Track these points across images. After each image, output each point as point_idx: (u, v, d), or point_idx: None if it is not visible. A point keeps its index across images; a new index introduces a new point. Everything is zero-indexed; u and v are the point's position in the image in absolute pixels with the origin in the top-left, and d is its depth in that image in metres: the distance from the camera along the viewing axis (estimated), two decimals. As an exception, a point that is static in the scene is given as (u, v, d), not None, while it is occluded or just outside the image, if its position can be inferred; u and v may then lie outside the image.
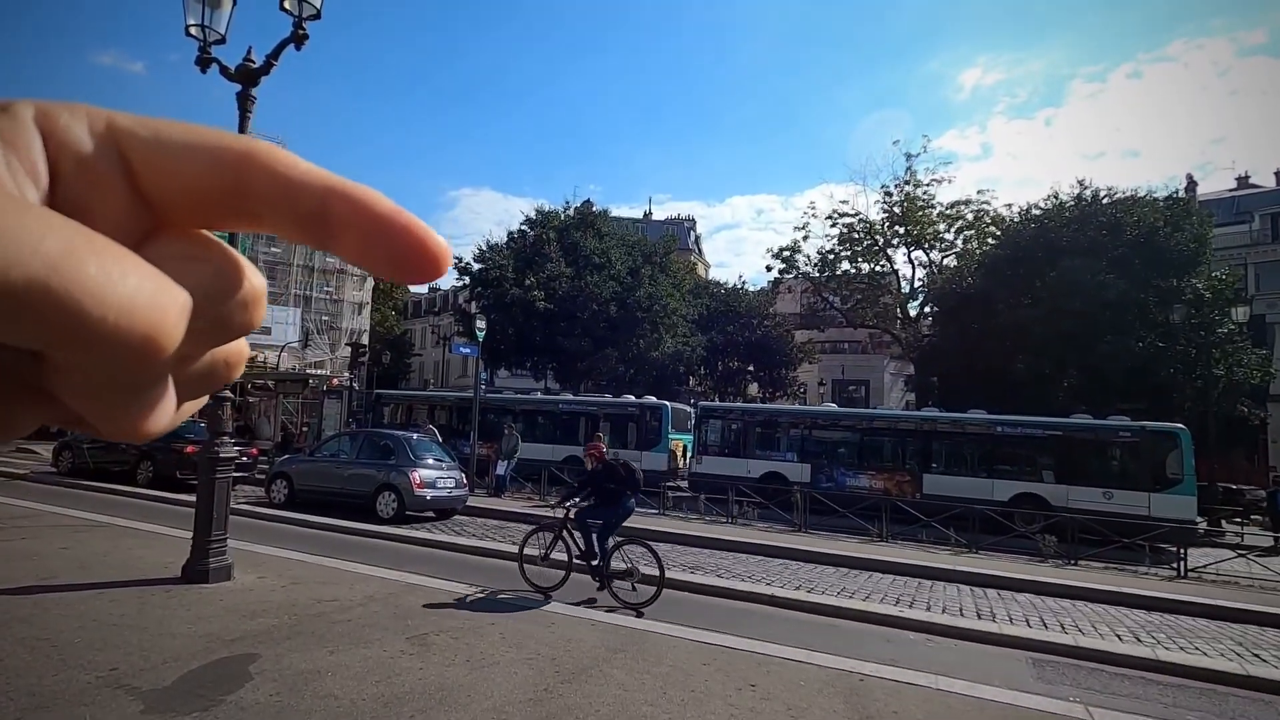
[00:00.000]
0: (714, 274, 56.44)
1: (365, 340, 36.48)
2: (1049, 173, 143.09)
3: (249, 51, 7.09)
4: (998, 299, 25.03)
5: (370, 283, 46.09)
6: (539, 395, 25.86)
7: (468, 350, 19.26)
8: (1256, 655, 7.07)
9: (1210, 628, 8.21)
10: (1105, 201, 24.97)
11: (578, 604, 6.96)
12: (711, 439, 20.48)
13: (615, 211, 36.69)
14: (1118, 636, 7.51)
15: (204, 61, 6.98)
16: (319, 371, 31.60)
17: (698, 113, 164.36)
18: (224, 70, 7.05)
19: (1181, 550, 11.46)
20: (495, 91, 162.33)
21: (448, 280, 43.64)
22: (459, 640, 5.48)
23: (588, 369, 29.89)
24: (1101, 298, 22.36)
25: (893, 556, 11.13)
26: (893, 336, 34.57)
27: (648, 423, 21.31)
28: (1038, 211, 27.01)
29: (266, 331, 35.84)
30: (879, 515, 13.45)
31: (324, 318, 39.25)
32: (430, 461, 12.90)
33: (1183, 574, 11.06)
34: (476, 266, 31.82)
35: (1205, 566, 11.37)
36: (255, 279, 0.30)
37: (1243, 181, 51.26)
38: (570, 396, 25.71)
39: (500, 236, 33.50)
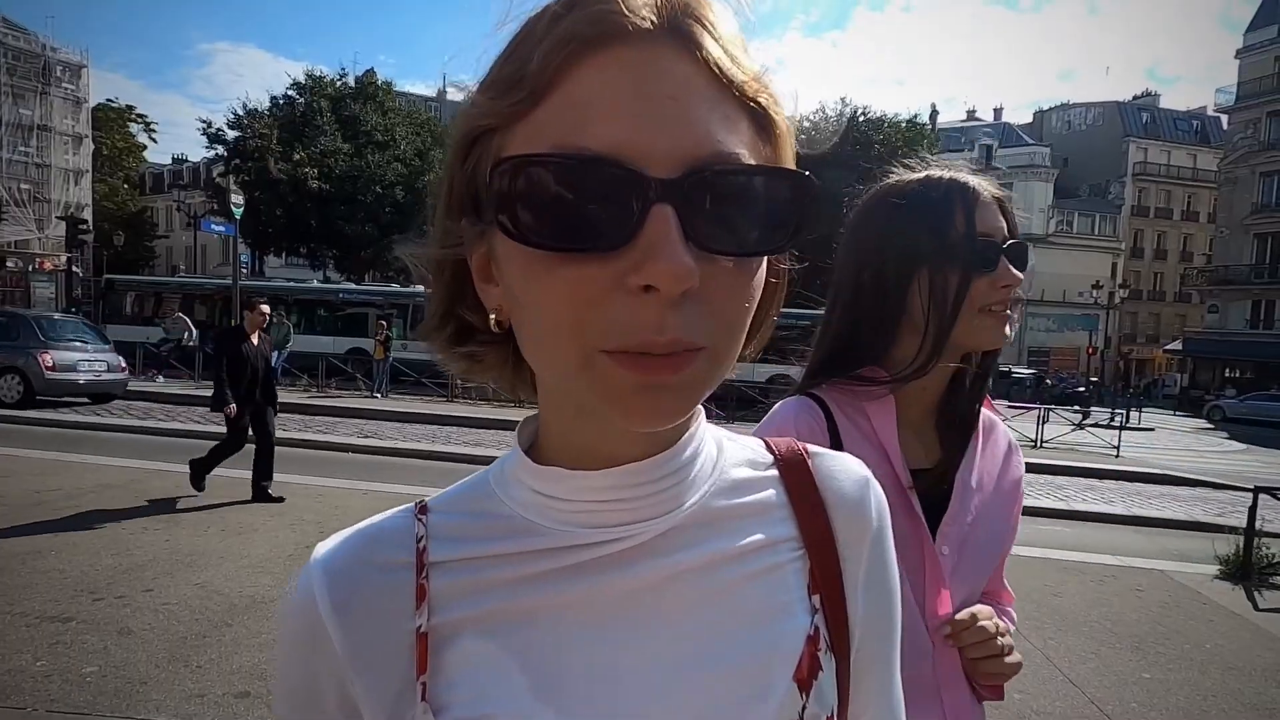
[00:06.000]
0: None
1: (88, 216, 30.29)
2: (835, 91, 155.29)
3: None
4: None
5: (89, 145, 37.88)
6: (315, 284, 23.86)
7: (222, 228, 16.98)
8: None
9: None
10: (861, 120, 28.08)
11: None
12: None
13: (406, 88, 33.35)
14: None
15: None
16: (23, 251, 25.85)
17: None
18: None
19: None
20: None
21: (197, 151, 37.26)
22: (213, 514, 5.40)
23: (373, 258, 27.97)
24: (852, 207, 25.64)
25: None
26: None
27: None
28: (807, 125, 29.57)
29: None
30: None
31: (24, 185, 31.78)
32: (73, 343, 11.47)
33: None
34: (232, 134, 27.57)
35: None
36: None
37: (971, 115, 59.96)
38: (351, 285, 24.04)
39: (262, 101, 29.11)
